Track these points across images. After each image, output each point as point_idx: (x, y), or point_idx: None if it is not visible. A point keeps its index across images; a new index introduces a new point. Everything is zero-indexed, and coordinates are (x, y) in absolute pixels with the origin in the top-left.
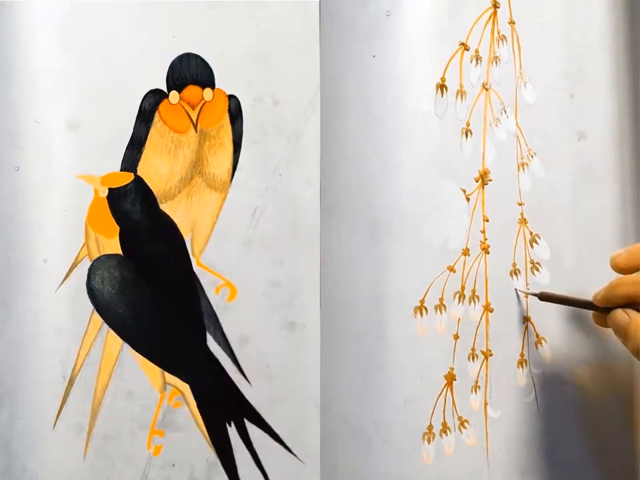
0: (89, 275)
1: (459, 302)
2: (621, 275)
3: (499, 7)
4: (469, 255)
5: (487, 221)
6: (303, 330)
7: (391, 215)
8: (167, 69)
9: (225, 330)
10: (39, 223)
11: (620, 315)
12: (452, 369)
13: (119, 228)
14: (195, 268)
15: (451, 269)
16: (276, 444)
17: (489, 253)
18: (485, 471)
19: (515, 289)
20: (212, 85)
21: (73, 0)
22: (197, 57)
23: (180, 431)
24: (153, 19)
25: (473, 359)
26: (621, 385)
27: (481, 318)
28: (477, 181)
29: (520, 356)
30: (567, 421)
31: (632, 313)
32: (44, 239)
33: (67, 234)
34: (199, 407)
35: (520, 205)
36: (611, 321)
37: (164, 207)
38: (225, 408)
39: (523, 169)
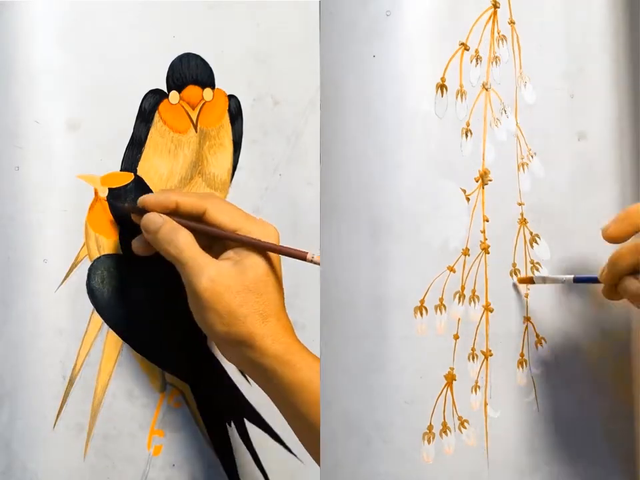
0: (88, 275)
1: (459, 302)
2: (616, 246)
3: (498, 7)
4: (468, 255)
5: (487, 221)
6: (302, 330)
7: (390, 215)
8: (167, 69)
9: None
10: (39, 223)
11: (629, 282)
12: (452, 368)
13: (118, 228)
14: None
15: (451, 269)
16: (276, 444)
17: (489, 253)
18: (484, 471)
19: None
20: (212, 85)
21: (73, 0)
22: (197, 57)
23: (180, 431)
24: (153, 19)
25: (473, 359)
26: (621, 383)
27: (481, 318)
28: (476, 181)
29: (520, 356)
30: (567, 421)
31: None
32: (44, 239)
33: (67, 234)
34: (198, 407)
35: (520, 205)
36: (622, 290)
37: None
38: (225, 408)
39: (523, 169)
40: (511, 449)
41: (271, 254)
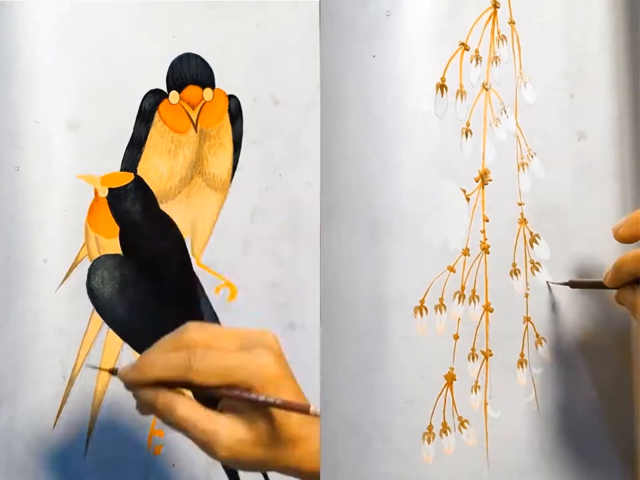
0: (88, 275)
1: (459, 302)
2: (625, 247)
3: (498, 7)
4: (469, 255)
5: (487, 221)
6: (303, 330)
7: (390, 215)
8: (167, 69)
9: None
10: (39, 223)
11: (627, 293)
12: (452, 368)
13: (118, 228)
14: (195, 268)
15: (451, 269)
16: None
17: (489, 253)
18: (484, 471)
19: (547, 281)
20: (212, 85)
21: (73, 0)
22: (197, 57)
23: None
24: (153, 19)
25: (473, 359)
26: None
27: (481, 318)
28: (477, 181)
29: (520, 356)
30: (567, 421)
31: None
32: (44, 239)
33: (67, 234)
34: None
35: (520, 205)
36: (621, 298)
37: (164, 207)
38: None
39: (523, 169)
40: (511, 448)
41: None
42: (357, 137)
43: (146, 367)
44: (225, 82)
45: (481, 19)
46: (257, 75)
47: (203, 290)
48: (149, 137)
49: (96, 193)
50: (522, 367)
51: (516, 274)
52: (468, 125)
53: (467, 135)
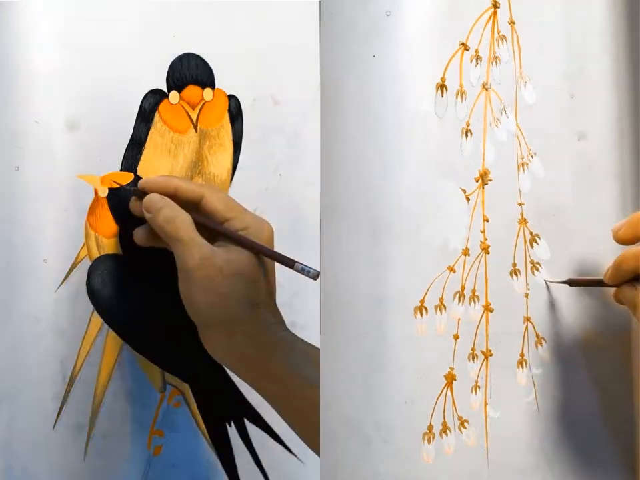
0: (88, 275)
1: (459, 302)
2: (625, 248)
3: (498, 7)
4: (469, 255)
5: (487, 221)
6: (303, 330)
7: (391, 215)
8: (166, 69)
9: None
10: (39, 223)
11: (627, 290)
12: (452, 368)
13: (118, 228)
14: None
15: (451, 269)
16: (276, 444)
17: (489, 253)
18: (484, 471)
19: (545, 280)
20: (212, 85)
21: (73, 0)
22: (197, 57)
23: (180, 431)
24: (153, 19)
25: (473, 358)
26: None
27: (481, 318)
28: (476, 181)
29: (520, 356)
30: (567, 421)
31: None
32: (44, 239)
33: (67, 234)
34: (198, 407)
35: (520, 205)
36: (621, 296)
37: None
38: (225, 408)
39: (523, 169)
40: (511, 448)
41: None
42: (357, 137)
43: (167, 176)
44: (224, 82)
45: (481, 18)
46: (257, 74)
47: None
48: (148, 137)
49: (96, 192)
50: (522, 367)
51: (516, 274)
52: (468, 125)
53: (466, 135)
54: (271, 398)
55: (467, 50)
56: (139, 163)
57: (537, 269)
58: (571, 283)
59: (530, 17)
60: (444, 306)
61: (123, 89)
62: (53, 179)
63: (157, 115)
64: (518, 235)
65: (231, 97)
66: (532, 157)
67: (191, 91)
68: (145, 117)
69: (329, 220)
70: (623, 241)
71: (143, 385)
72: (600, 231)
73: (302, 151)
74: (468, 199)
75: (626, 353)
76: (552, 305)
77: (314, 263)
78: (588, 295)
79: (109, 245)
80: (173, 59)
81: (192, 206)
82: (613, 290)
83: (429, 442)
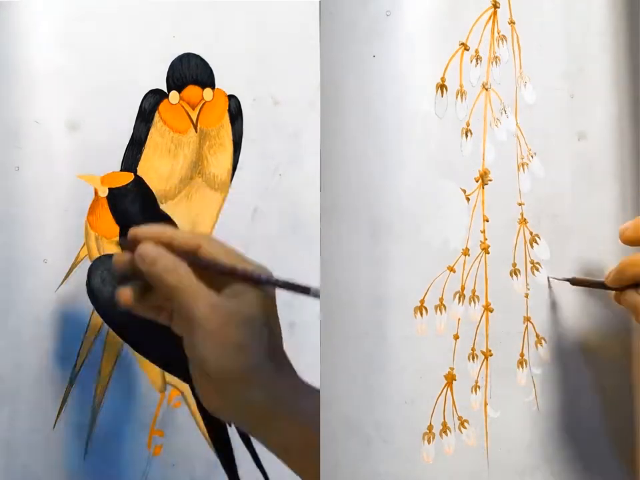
0: (88, 275)
1: (459, 302)
2: (629, 249)
3: (498, 7)
4: (469, 255)
5: (487, 221)
6: (302, 330)
7: (391, 215)
8: (167, 69)
9: None
10: (39, 223)
11: (630, 295)
12: (452, 368)
13: (118, 228)
14: None
15: (451, 269)
16: None
17: (489, 253)
18: (484, 471)
19: (548, 277)
20: (212, 85)
21: (73, 0)
22: (197, 57)
23: (180, 431)
24: (153, 19)
25: (473, 358)
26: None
27: (481, 318)
28: (476, 181)
29: (520, 356)
30: (567, 421)
31: None
32: (44, 239)
33: (66, 234)
34: (198, 407)
35: (520, 205)
36: (623, 300)
37: (164, 206)
38: None
39: (523, 169)
40: (511, 448)
41: (268, 291)
42: (357, 137)
43: (162, 229)
44: (224, 82)
45: (481, 18)
46: (257, 75)
47: None
48: (149, 137)
49: (96, 192)
50: (522, 367)
51: (516, 274)
52: (468, 125)
53: (466, 135)
54: (283, 450)
55: (467, 50)
56: (139, 163)
57: (537, 269)
58: (574, 282)
59: (530, 16)
60: (444, 306)
61: (123, 89)
62: (52, 179)
63: (156, 115)
64: (518, 235)
65: (231, 97)
66: (532, 156)
67: (191, 91)
68: (145, 117)
69: (329, 220)
70: (629, 242)
71: (142, 385)
72: (600, 231)
73: (302, 151)
74: (468, 199)
75: (626, 353)
76: (553, 303)
77: (314, 263)
78: (588, 296)
79: (109, 245)
80: (173, 59)
81: (189, 257)
82: (613, 291)
83: (428, 442)
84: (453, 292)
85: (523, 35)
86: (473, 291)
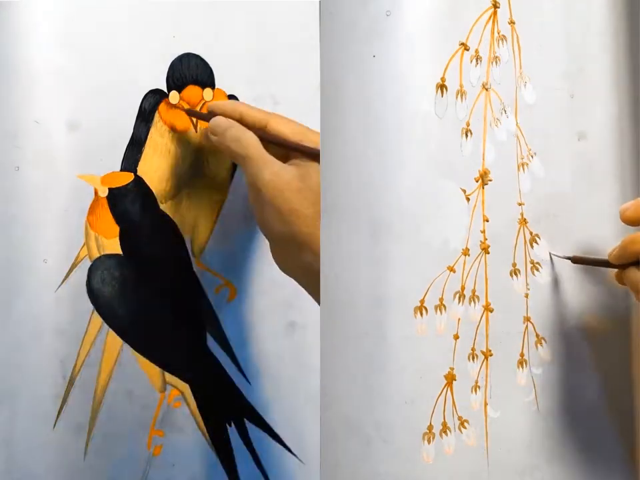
0: (88, 275)
1: (459, 302)
2: (630, 229)
3: (498, 7)
4: (469, 255)
5: (487, 221)
6: (303, 330)
7: (391, 215)
8: (167, 69)
9: (225, 330)
10: (39, 223)
11: (632, 272)
12: (452, 368)
13: (118, 228)
14: (195, 268)
15: (451, 269)
16: (276, 444)
17: (489, 253)
18: (484, 471)
19: (550, 253)
20: (212, 85)
21: (73, 0)
22: (197, 57)
23: (180, 431)
24: (153, 19)
25: (473, 359)
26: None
27: (481, 318)
28: (477, 181)
29: (520, 356)
30: (567, 421)
31: None
32: (44, 239)
33: (66, 234)
34: (198, 407)
35: (520, 205)
36: (625, 278)
37: (164, 206)
38: (224, 408)
39: (523, 169)
40: (511, 448)
41: None
42: (357, 137)
43: (233, 104)
44: (224, 82)
45: (481, 18)
46: (257, 74)
47: (202, 290)
48: (148, 137)
49: (96, 192)
50: (522, 367)
51: (516, 274)
52: (468, 125)
53: (466, 135)
54: None
55: (467, 50)
56: (139, 163)
57: (537, 269)
58: (575, 260)
59: (530, 16)
60: (444, 306)
61: (123, 89)
62: (52, 178)
63: (156, 115)
64: (518, 235)
65: (231, 97)
66: (532, 157)
67: (191, 91)
68: (145, 117)
69: (329, 220)
70: (629, 221)
71: (142, 385)
72: (600, 231)
73: None
74: (468, 199)
75: (626, 353)
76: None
77: None
78: (588, 296)
79: (109, 245)
80: (173, 59)
81: (257, 131)
82: (613, 274)
83: (428, 442)
84: (452, 292)
85: (523, 35)
86: (473, 291)
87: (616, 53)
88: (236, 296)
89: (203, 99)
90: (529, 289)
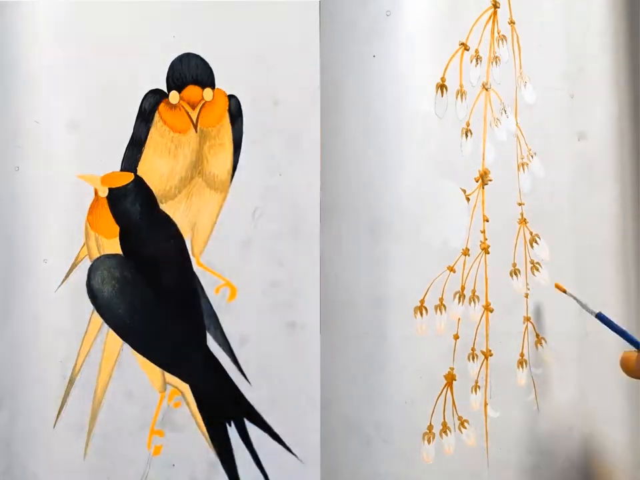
0: (88, 275)
1: (459, 302)
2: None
3: (498, 7)
4: (468, 255)
5: (487, 221)
6: (302, 330)
7: (391, 215)
8: (167, 69)
9: (225, 330)
10: (39, 223)
11: None
12: (452, 369)
13: (118, 228)
14: (195, 268)
15: (451, 269)
16: (276, 444)
17: (489, 253)
18: (484, 471)
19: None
20: (212, 85)
21: (73, 0)
22: (197, 57)
23: (180, 431)
24: (153, 19)
25: (473, 359)
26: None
27: (481, 318)
28: (476, 181)
29: (520, 356)
30: (567, 421)
31: None
32: (44, 239)
33: (66, 234)
34: (198, 407)
35: (520, 205)
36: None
37: (164, 207)
38: (224, 408)
39: (523, 169)
40: (511, 449)
41: None
42: (357, 137)
43: None
44: (224, 82)
45: (481, 19)
46: (257, 74)
47: (202, 290)
48: (148, 137)
49: (96, 192)
50: (522, 367)
51: (516, 274)
52: (468, 125)
53: (467, 135)
54: None
55: (467, 50)
56: (139, 163)
57: (537, 269)
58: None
59: (530, 16)
60: (444, 306)
61: (122, 89)
62: (52, 178)
63: (156, 115)
64: (518, 235)
65: (231, 97)
66: (532, 157)
67: (191, 91)
68: (145, 117)
69: (329, 220)
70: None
71: (143, 385)
72: (600, 231)
73: (302, 151)
74: (468, 199)
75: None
76: (552, 305)
77: (314, 263)
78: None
79: (109, 245)
80: (173, 59)
81: None
82: None
83: (428, 442)
84: (452, 292)
85: (523, 35)
86: (473, 291)
87: (616, 53)
88: (236, 296)
89: (202, 98)
90: (529, 289)
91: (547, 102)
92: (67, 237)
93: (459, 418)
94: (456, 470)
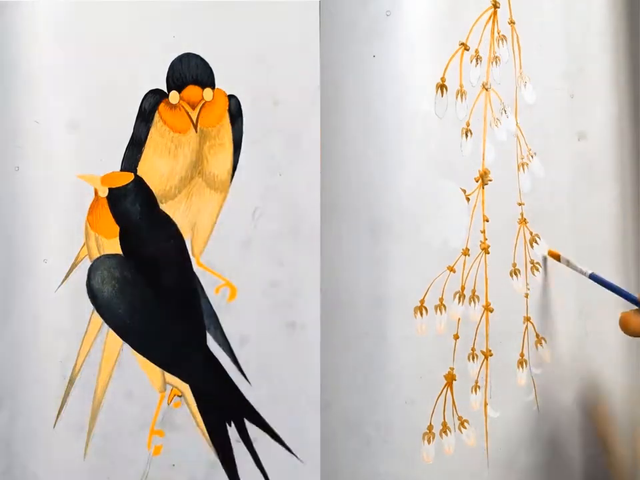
0: (88, 275)
1: (459, 302)
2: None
3: (498, 7)
4: (468, 255)
5: (487, 221)
6: (302, 330)
7: (391, 215)
8: (167, 69)
9: (225, 330)
10: (39, 223)
11: None
12: (452, 369)
13: (118, 228)
14: (195, 268)
15: (451, 269)
16: (276, 444)
17: (489, 253)
18: (485, 471)
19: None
20: (212, 85)
21: (73, 0)
22: (197, 57)
23: (180, 431)
24: (153, 18)
25: (473, 359)
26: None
27: (481, 318)
28: (476, 181)
29: (520, 356)
30: (567, 421)
31: None
32: (44, 239)
33: (66, 234)
34: (198, 407)
35: (520, 205)
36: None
37: (164, 207)
38: (224, 408)
39: (523, 169)
40: (511, 448)
41: None
42: (357, 137)
43: None
44: (224, 82)
45: (481, 19)
46: (257, 74)
47: (202, 290)
48: (149, 137)
49: (96, 192)
50: (522, 367)
51: (516, 274)
52: (468, 125)
53: (467, 135)
54: None
55: (467, 50)
56: (139, 163)
57: (537, 269)
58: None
59: (530, 16)
60: (444, 306)
61: (122, 89)
62: (52, 178)
63: (156, 115)
64: (518, 235)
65: (231, 97)
66: (532, 157)
67: (191, 90)
68: (145, 117)
69: (329, 220)
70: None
71: (143, 385)
72: (600, 231)
73: (302, 151)
74: (468, 199)
75: (626, 353)
76: (552, 305)
77: (314, 263)
78: (588, 296)
79: (109, 245)
80: (173, 59)
81: None
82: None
83: (429, 442)
84: (452, 292)
85: (523, 35)
86: (473, 291)
87: (616, 52)
88: (236, 296)
89: (202, 98)
90: (529, 289)
91: (546, 102)
92: (67, 237)
93: (459, 418)
94: (456, 470)
